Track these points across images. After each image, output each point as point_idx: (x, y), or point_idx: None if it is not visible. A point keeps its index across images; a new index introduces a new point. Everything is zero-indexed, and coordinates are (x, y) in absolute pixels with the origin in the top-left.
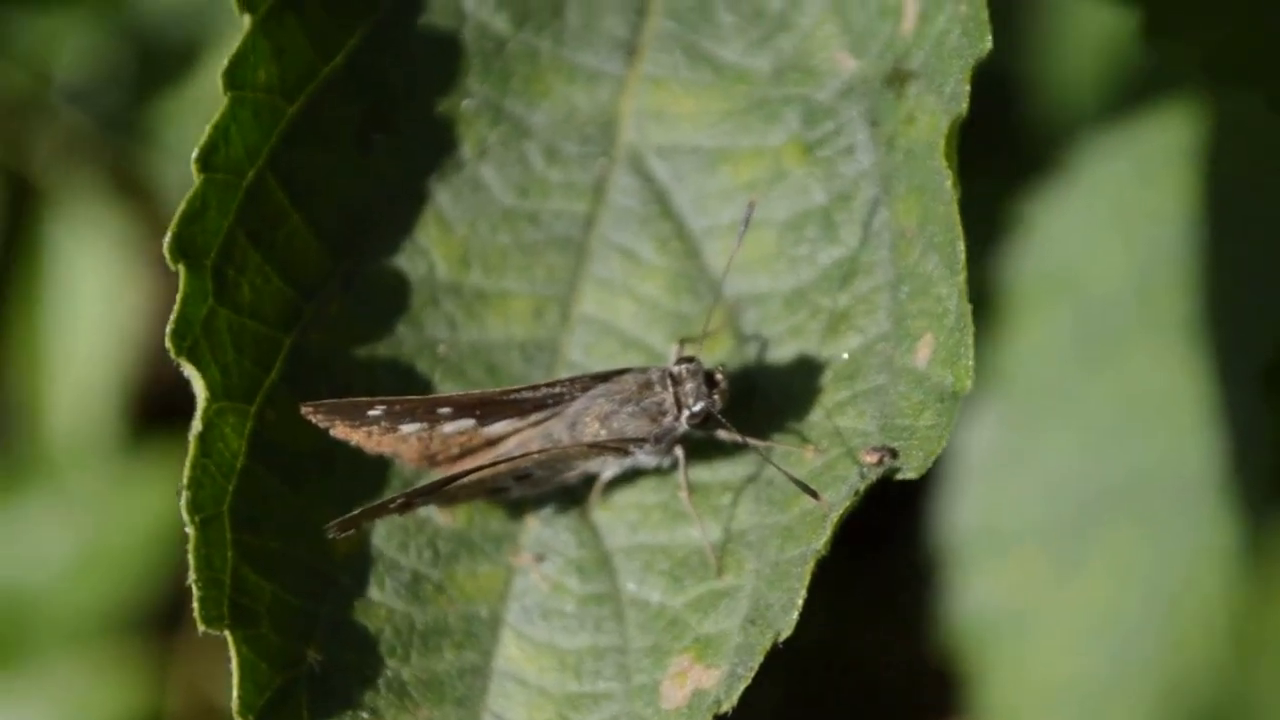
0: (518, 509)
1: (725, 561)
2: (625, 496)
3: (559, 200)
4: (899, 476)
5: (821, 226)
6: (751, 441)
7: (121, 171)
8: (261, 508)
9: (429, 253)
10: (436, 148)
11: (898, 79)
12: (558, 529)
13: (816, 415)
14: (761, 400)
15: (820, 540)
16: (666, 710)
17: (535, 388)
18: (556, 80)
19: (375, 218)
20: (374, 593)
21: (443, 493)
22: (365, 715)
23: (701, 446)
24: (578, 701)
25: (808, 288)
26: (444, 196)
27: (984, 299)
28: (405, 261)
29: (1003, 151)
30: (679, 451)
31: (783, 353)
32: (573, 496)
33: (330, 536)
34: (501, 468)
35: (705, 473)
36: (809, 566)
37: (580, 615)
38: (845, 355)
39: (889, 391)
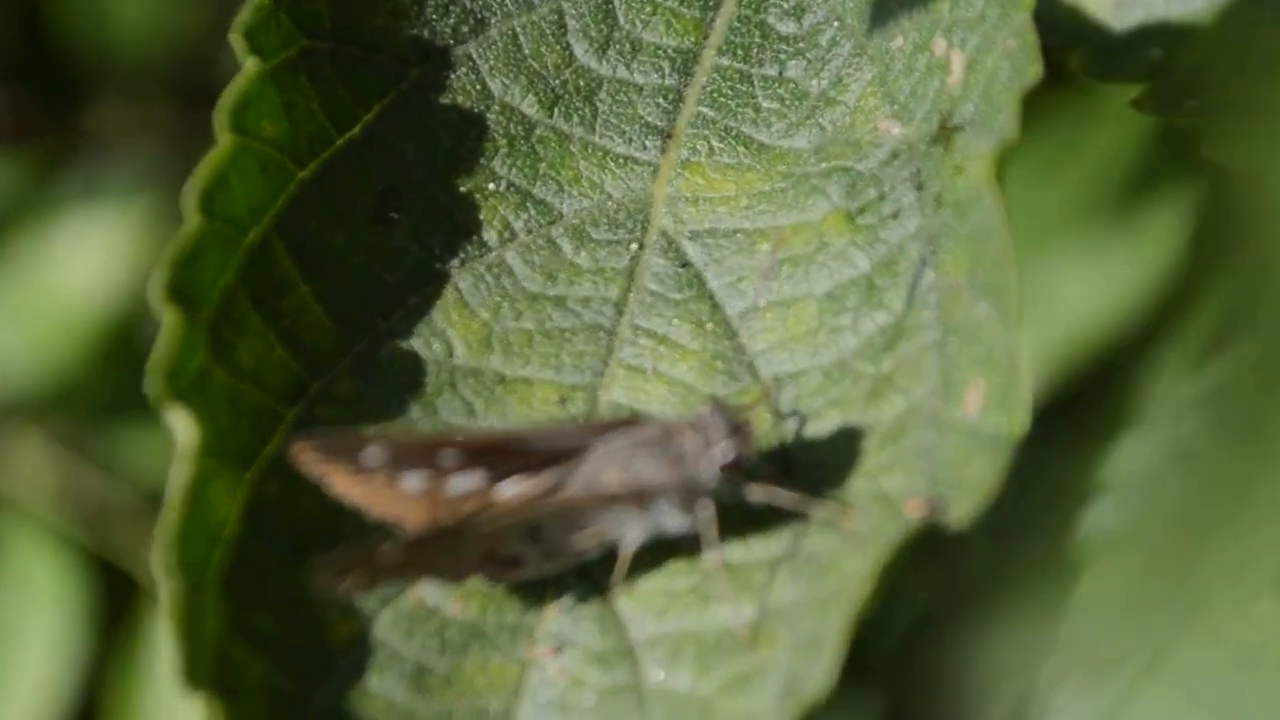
0: (536, 597)
1: (759, 638)
2: (652, 582)
3: (588, 286)
4: (946, 528)
5: (864, 294)
6: (783, 497)
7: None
8: (255, 582)
9: (447, 335)
10: (459, 231)
11: (945, 135)
12: (578, 619)
13: (859, 482)
14: (800, 474)
15: (860, 596)
16: None
17: (544, 433)
18: (587, 166)
19: (391, 298)
20: (374, 682)
21: (447, 556)
22: None
23: (733, 521)
24: None
25: (850, 357)
26: (465, 281)
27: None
28: (421, 344)
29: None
30: (707, 511)
31: (823, 426)
32: (594, 584)
33: (319, 588)
34: (510, 504)
35: (739, 550)
36: (846, 623)
37: (600, 709)
38: (889, 419)
39: (937, 448)
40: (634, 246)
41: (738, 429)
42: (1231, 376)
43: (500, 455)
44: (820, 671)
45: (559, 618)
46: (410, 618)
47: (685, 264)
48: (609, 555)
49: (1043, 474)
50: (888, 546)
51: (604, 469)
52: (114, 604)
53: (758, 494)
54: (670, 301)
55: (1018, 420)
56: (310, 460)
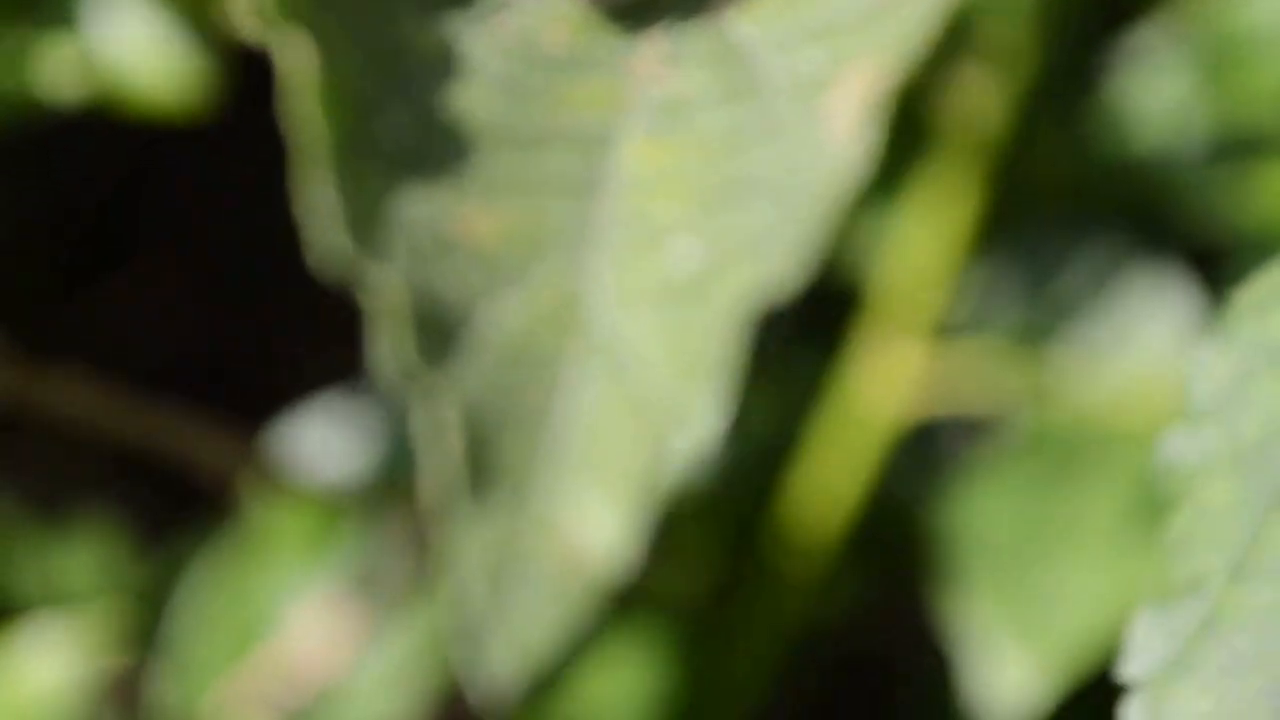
0: (637, 20)
1: None
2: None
3: None
4: None
5: None
6: None
7: None
8: None
9: None
10: None
11: None
12: (686, 36)
13: None
14: None
15: None
16: (833, 142)
17: None
18: None
19: None
20: (461, 92)
21: None
22: (435, 209)
23: None
24: (718, 188)
25: None
26: None
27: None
28: None
29: None
30: None
31: None
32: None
33: None
34: None
35: None
36: None
37: (716, 103)
38: None
39: None
40: None
41: None
42: None
43: None
44: None
45: (664, 37)
46: (504, 42)
47: None
48: None
49: None
50: None
51: None
52: None
53: None
54: None
55: None
56: None
